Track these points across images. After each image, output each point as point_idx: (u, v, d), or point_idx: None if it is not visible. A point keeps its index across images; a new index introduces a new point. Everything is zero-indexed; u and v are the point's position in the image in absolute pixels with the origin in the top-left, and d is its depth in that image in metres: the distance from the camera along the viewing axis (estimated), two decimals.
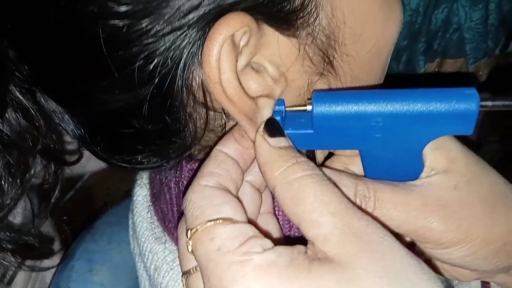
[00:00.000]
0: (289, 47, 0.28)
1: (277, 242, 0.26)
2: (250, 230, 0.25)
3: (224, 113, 0.31)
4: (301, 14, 0.27)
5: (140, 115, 0.29)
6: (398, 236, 0.33)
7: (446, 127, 0.28)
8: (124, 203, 0.56)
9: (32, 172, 0.33)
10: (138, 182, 0.43)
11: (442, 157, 0.30)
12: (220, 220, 0.25)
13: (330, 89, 0.32)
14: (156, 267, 0.38)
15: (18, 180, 0.31)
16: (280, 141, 0.28)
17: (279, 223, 0.33)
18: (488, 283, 0.39)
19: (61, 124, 0.33)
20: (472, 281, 0.39)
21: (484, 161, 0.32)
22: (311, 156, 0.34)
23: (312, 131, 0.30)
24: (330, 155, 0.36)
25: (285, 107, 0.30)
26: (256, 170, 0.30)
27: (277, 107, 0.30)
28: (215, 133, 0.32)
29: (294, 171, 0.26)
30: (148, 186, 0.43)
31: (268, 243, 0.24)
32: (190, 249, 0.25)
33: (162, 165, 0.33)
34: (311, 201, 0.25)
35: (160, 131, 0.30)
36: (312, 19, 0.28)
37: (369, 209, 0.29)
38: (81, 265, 0.47)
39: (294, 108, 0.30)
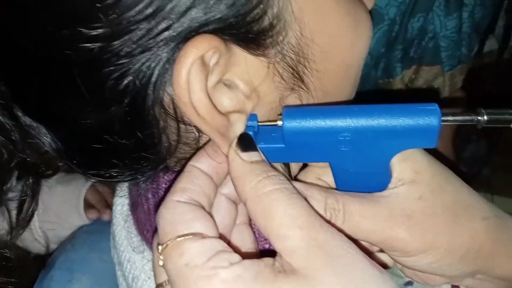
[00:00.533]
0: (258, 65, 0.29)
1: (248, 254, 0.26)
2: (219, 245, 0.26)
3: (196, 128, 0.31)
4: (270, 34, 0.28)
5: (113, 131, 0.29)
6: (364, 248, 0.34)
7: (410, 141, 0.30)
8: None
9: (9, 185, 0.34)
10: (118, 191, 0.44)
11: (409, 168, 0.31)
12: (190, 236, 0.26)
13: (301, 105, 0.33)
14: (134, 276, 0.39)
15: None
16: (252, 156, 0.29)
17: (254, 233, 0.34)
18: (457, 287, 0.41)
19: (39, 138, 0.33)
20: (442, 286, 0.40)
21: (450, 171, 0.33)
22: (285, 167, 0.35)
23: (283, 145, 0.31)
24: (305, 165, 0.38)
25: (257, 122, 0.31)
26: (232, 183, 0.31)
27: (249, 122, 0.31)
28: (190, 146, 0.33)
29: (264, 185, 0.27)
30: (127, 196, 0.43)
31: (235, 257, 0.25)
32: (161, 264, 0.26)
33: (137, 178, 0.34)
34: (280, 215, 0.26)
35: (134, 146, 0.31)
36: (280, 38, 0.29)
37: (339, 221, 0.30)
38: (61, 275, 0.47)
39: (266, 123, 0.31)
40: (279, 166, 0.33)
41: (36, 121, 0.32)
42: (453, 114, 0.30)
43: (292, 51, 0.30)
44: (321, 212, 0.30)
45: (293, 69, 0.31)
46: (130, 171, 0.33)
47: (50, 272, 0.47)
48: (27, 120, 0.33)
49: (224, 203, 0.31)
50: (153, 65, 0.26)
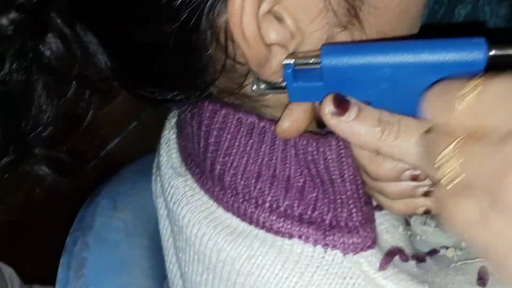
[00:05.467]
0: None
1: None
2: None
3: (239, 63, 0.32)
4: None
5: (163, 50, 0.30)
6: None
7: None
8: (150, 155, 0.60)
9: (68, 96, 0.36)
10: (167, 125, 0.47)
11: None
12: None
13: (340, 42, 0.33)
14: (176, 200, 0.42)
15: (54, 102, 0.34)
16: (352, 112, 0.30)
17: None
18: None
19: (96, 55, 0.35)
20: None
21: None
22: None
23: (322, 84, 0.31)
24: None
25: (295, 61, 0.31)
26: None
27: (287, 60, 0.31)
28: (234, 80, 0.34)
29: (389, 132, 0.29)
30: (175, 130, 0.46)
31: None
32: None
33: (179, 103, 0.35)
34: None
35: (182, 69, 0.32)
36: None
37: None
38: (106, 203, 0.51)
39: (304, 61, 0.31)
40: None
41: (95, 35, 0.34)
42: (503, 48, 0.28)
43: None
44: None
45: (349, 4, 0.30)
46: (173, 94, 0.34)
47: (97, 198, 0.51)
48: (88, 37, 0.35)
49: None
50: None
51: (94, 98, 0.38)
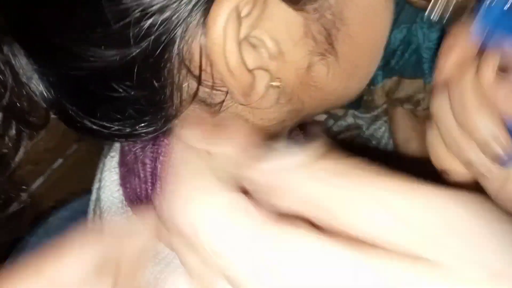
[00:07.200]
0: (294, 23, 0.28)
1: None
2: None
3: (212, 89, 0.29)
4: None
5: (123, 77, 0.27)
6: None
7: None
8: (80, 199, 0.52)
9: None
10: (107, 166, 0.41)
11: None
12: None
13: None
14: None
15: None
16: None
17: None
18: None
19: (29, 84, 0.30)
20: None
21: None
22: None
23: None
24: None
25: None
26: None
27: None
28: (201, 108, 0.31)
29: None
30: (117, 171, 0.40)
31: None
32: None
33: (135, 138, 0.31)
34: None
35: (142, 99, 0.28)
36: None
37: None
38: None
39: None
40: None
41: (34, 59, 0.29)
42: None
43: (330, 10, 0.28)
44: None
45: (327, 32, 0.29)
46: (130, 128, 0.30)
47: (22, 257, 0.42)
48: (18, 61, 0.30)
49: None
50: (188, 6, 0.25)
51: (24, 133, 0.32)
